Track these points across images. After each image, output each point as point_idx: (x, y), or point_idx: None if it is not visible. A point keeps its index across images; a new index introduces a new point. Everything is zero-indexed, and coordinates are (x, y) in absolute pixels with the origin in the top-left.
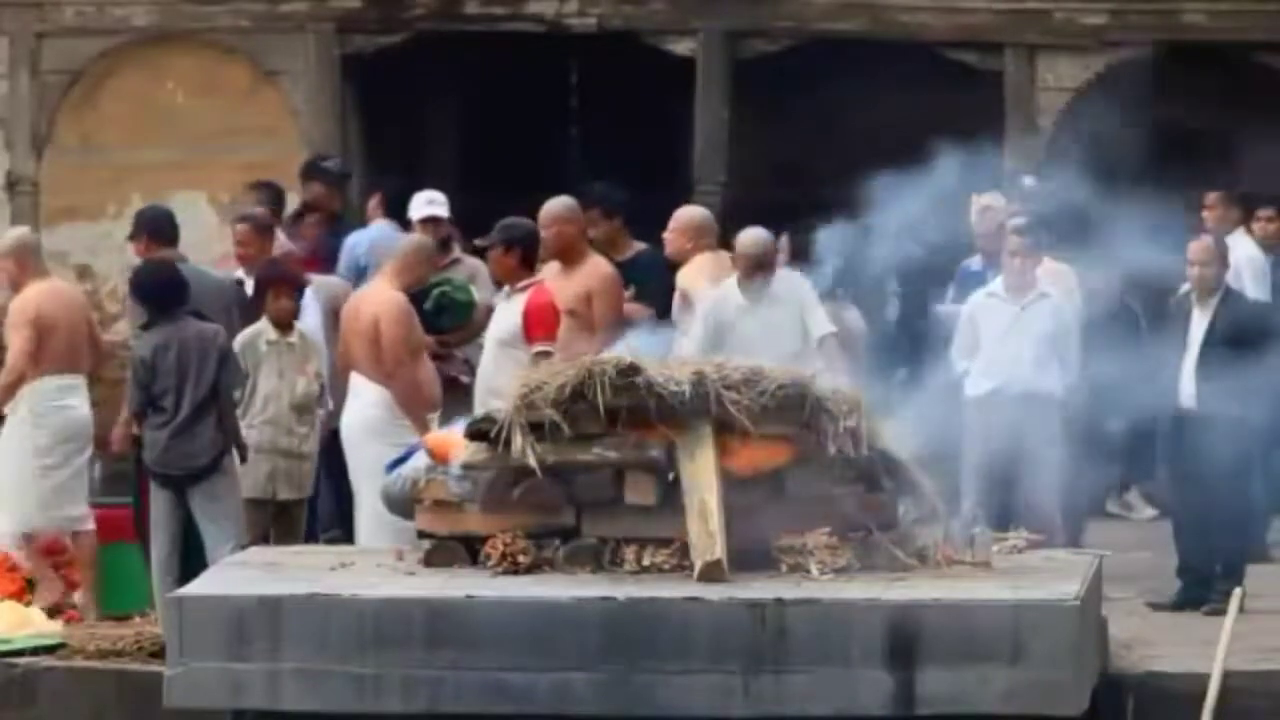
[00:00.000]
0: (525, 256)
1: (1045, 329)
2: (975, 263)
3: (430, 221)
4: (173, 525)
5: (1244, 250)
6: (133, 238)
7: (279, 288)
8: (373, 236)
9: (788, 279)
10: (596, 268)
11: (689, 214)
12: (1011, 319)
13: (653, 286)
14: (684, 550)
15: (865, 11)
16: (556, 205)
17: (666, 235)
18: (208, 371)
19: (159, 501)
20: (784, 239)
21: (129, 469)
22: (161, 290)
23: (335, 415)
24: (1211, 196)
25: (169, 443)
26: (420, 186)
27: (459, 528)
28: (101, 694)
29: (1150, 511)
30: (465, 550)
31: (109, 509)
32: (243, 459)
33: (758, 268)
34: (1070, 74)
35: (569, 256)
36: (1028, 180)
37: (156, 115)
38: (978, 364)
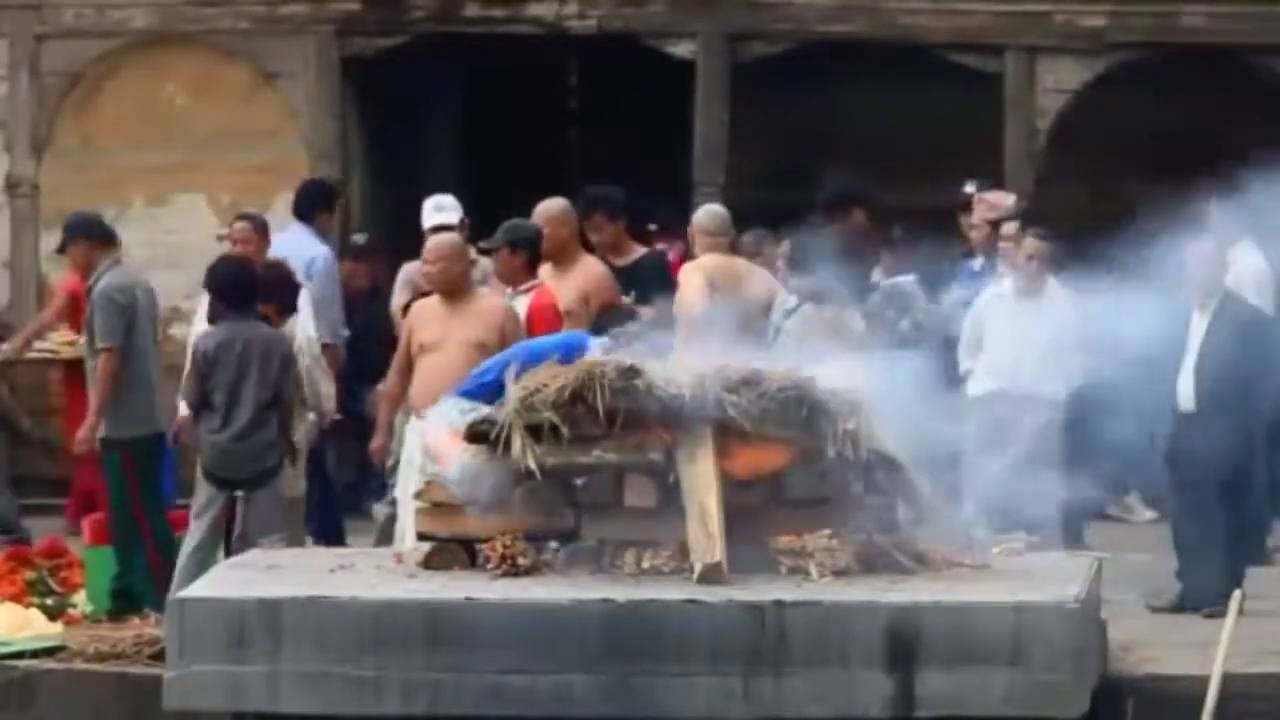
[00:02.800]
0: (532, 258)
1: (1050, 332)
2: (977, 264)
3: (443, 230)
4: (216, 516)
5: (1251, 260)
6: (66, 248)
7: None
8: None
9: None
10: (590, 268)
11: (698, 213)
12: (1017, 320)
13: (655, 290)
14: (683, 552)
15: (864, 14)
16: (551, 206)
17: None
18: (270, 374)
19: (205, 492)
20: (785, 243)
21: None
22: (234, 286)
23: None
24: (1224, 201)
25: (230, 446)
26: (419, 189)
27: (458, 530)
28: (101, 696)
29: (1149, 514)
30: (465, 552)
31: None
32: (292, 463)
33: None
34: (1070, 76)
35: (562, 257)
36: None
37: (156, 117)
38: (981, 363)
